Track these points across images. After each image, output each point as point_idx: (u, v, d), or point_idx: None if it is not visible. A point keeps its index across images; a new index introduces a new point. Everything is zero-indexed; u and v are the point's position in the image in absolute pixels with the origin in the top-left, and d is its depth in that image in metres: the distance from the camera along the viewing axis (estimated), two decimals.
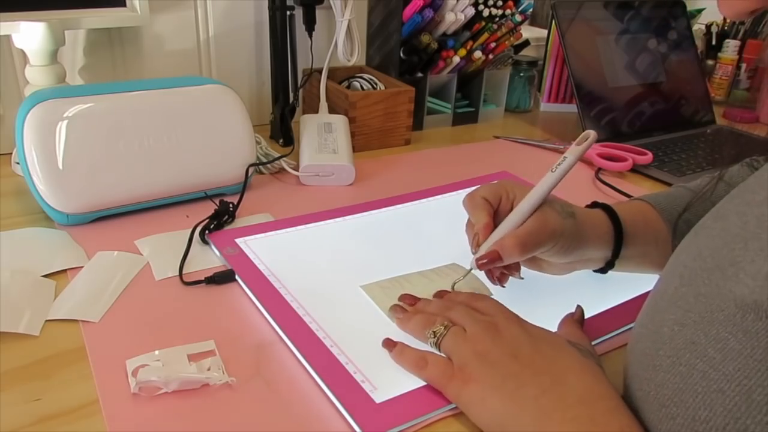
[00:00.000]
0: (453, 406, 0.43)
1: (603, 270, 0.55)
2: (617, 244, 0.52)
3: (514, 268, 0.53)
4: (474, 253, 0.50)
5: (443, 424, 0.42)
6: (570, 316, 0.50)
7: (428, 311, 0.49)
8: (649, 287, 0.41)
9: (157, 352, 0.46)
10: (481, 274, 0.57)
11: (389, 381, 0.44)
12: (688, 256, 0.37)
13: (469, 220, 0.52)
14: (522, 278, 0.53)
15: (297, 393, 0.44)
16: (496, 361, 0.41)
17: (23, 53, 0.73)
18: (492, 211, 0.50)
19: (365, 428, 0.40)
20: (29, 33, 0.70)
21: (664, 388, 0.32)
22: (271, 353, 0.48)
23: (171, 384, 0.42)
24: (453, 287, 0.54)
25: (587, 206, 0.55)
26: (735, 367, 0.29)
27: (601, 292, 0.57)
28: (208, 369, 0.45)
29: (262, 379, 0.45)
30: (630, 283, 0.57)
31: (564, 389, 0.38)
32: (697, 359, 0.31)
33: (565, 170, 0.48)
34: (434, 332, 0.45)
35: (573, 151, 0.49)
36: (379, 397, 0.42)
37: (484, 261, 0.48)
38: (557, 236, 0.48)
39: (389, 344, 0.47)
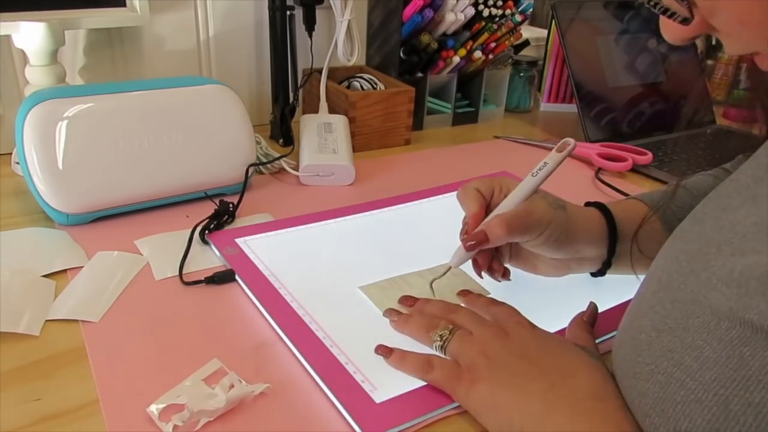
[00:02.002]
0: (453, 405, 0.43)
1: (600, 272, 0.54)
2: (612, 242, 0.52)
3: (498, 270, 0.52)
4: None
5: (443, 424, 0.42)
6: (580, 316, 0.49)
7: (428, 312, 0.49)
8: None
9: (174, 390, 0.42)
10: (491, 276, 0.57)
11: (389, 381, 0.44)
12: (667, 260, 0.36)
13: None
14: (509, 279, 0.53)
15: (297, 393, 0.44)
16: (505, 360, 0.41)
17: (23, 53, 0.73)
18: (484, 203, 0.50)
19: (365, 428, 0.40)
20: (29, 33, 0.70)
21: (645, 397, 0.32)
22: (271, 353, 0.48)
23: (217, 412, 0.40)
24: (431, 285, 0.53)
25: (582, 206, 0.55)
26: (711, 376, 0.28)
27: (601, 291, 0.57)
28: (231, 386, 0.43)
29: (262, 379, 0.45)
30: (631, 285, 0.57)
31: (573, 385, 0.38)
32: (674, 368, 0.30)
33: (546, 174, 0.50)
34: (440, 335, 0.45)
35: (552, 157, 0.50)
36: (378, 397, 0.42)
37: (472, 242, 0.48)
38: (544, 224, 0.48)
39: (385, 351, 0.46)
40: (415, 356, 0.45)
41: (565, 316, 0.53)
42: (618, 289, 0.57)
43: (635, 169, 0.90)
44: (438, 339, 0.45)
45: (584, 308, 0.54)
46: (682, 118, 1.09)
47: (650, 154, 0.90)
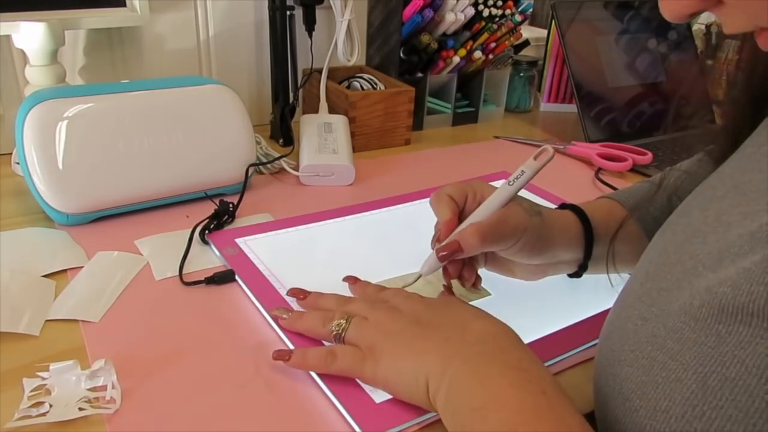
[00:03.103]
0: None
1: (577, 273, 0.54)
2: (588, 245, 0.52)
3: (469, 278, 0.51)
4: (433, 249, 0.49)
5: (443, 424, 0.42)
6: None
7: (322, 306, 0.50)
8: None
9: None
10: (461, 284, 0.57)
11: None
12: (655, 252, 0.37)
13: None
14: (479, 289, 0.54)
15: (297, 393, 0.44)
16: (400, 330, 0.43)
17: (23, 53, 0.73)
18: (456, 209, 0.50)
19: (365, 428, 0.40)
20: (29, 33, 0.70)
21: (627, 382, 0.33)
22: (270, 353, 0.47)
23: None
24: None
25: (556, 208, 0.55)
26: (691, 355, 0.29)
27: (601, 292, 0.57)
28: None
29: (262, 379, 0.45)
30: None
31: (464, 332, 0.41)
32: (657, 351, 0.31)
33: (523, 183, 0.48)
34: (337, 325, 0.45)
35: (530, 165, 0.48)
36: (378, 397, 0.42)
37: (444, 252, 0.47)
38: (520, 232, 0.47)
39: (282, 354, 0.45)
40: (316, 350, 0.45)
41: (565, 317, 0.53)
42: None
43: (635, 169, 0.90)
44: (335, 328, 0.45)
45: (583, 310, 0.54)
46: (682, 118, 1.09)
47: (650, 154, 0.90)
